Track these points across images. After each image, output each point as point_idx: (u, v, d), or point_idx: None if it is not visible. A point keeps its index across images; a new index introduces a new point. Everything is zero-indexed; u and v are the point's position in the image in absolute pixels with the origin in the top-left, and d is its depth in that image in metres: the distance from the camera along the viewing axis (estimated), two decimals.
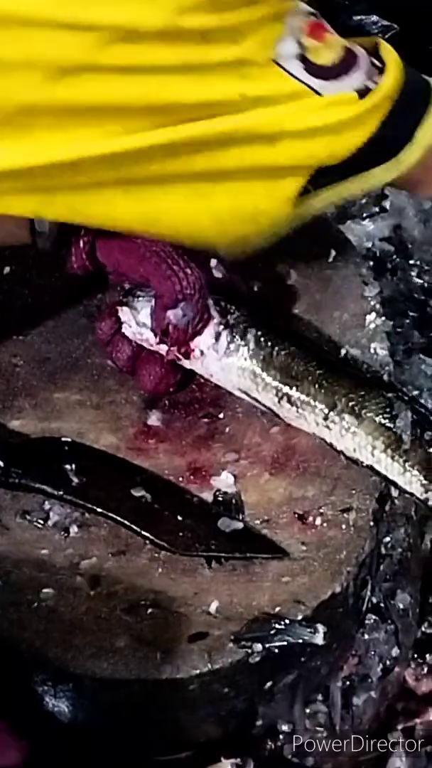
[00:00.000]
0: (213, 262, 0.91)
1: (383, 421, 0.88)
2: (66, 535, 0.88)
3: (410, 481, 0.88)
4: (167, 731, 0.88)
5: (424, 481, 0.88)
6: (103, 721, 0.87)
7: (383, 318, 0.97)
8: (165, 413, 0.95)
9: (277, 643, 0.81)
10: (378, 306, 0.98)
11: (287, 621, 0.82)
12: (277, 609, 0.83)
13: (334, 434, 0.89)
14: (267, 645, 0.81)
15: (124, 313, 0.92)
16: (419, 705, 1.00)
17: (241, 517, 0.89)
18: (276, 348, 0.91)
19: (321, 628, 0.82)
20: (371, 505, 0.88)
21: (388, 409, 0.88)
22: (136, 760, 0.90)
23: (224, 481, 0.91)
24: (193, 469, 0.92)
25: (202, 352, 0.91)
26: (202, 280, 0.89)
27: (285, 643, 0.81)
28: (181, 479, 0.91)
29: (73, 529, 0.88)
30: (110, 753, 0.91)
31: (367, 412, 0.88)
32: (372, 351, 0.95)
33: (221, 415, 0.95)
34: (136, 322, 0.91)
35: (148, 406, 0.95)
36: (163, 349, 0.91)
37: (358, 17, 1.45)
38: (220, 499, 0.90)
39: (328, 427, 0.89)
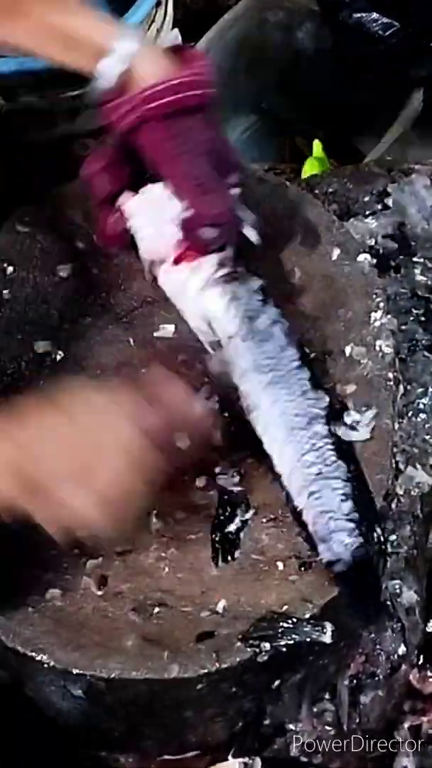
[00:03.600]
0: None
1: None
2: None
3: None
4: (175, 731, 0.88)
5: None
6: (111, 720, 0.87)
7: (388, 315, 0.97)
8: None
9: (285, 642, 0.81)
10: (382, 304, 0.97)
11: (295, 620, 0.82)
12: (285, 608, 0.82)
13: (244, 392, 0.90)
14: (275, 644, 0.81)
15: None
16: (426, 703, 1.00)
17: (247, 516, 0.89)
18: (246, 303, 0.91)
19: (329, 626, 0.82)
20: (378, 503, 0.88)
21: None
22: (145, 760, 0.90)
23: (230, 480, 0.91)
24: (199, 468, 0.91)
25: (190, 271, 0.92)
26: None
27: (293, 641, 0.81)
28: (186, 478, 0.91)
29: None
30: (118, 752, 0.91)
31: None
32: (377, 348, 0.95)
33: (226, 414, 0.94)
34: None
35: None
36: (173, 245, 0.92)
37: (358, 14, 1.45)
38: (226, 498, 0.90)
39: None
